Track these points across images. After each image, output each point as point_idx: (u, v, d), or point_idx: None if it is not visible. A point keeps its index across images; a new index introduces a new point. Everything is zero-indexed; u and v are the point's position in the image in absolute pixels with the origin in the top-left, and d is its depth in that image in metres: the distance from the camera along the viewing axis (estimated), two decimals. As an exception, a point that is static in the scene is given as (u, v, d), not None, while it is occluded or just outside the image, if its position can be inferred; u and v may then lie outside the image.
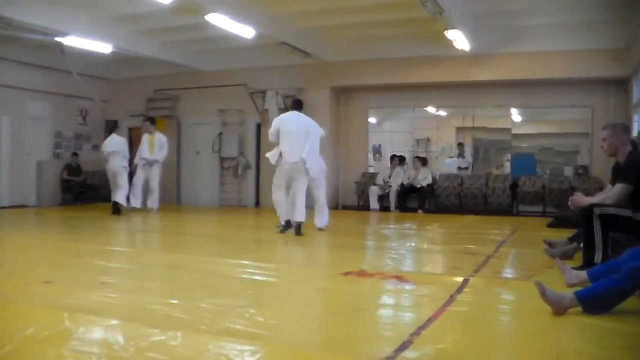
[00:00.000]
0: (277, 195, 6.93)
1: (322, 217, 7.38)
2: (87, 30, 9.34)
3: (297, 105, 7.17)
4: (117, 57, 10.96)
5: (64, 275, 4.30)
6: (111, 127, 10.22)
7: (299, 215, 6.72)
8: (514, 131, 11.63)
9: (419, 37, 10.01)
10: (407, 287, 3.84)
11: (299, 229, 6.72)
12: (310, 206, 7.21)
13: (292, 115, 7.00)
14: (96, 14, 9.18)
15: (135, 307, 3.16)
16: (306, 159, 6.62)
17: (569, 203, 4.56)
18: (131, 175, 10.10)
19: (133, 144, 13.49)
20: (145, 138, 10.18)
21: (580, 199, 4.47)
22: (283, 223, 6.85)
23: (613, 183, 4.53)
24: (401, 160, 11.69)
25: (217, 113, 12.40)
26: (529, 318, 3.01)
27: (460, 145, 12.13)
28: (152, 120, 10.44)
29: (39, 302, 3.26)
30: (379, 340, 2.64)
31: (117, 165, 9.71)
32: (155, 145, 10.14)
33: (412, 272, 4.77)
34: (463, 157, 11.99)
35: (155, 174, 10.20)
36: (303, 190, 6.79)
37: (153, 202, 10.23)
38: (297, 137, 6.70)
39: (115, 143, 9.88)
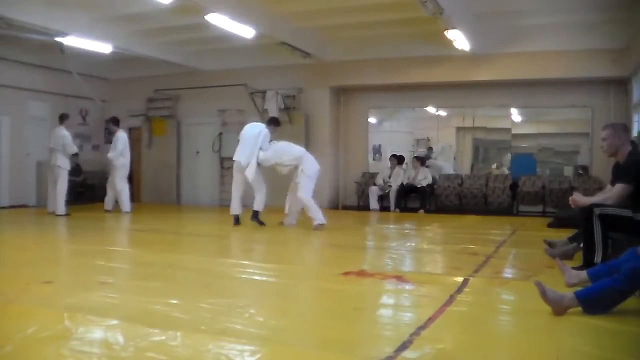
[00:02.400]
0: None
1: (294, 217, 8.03)
2: (87, 30, 9.34)
3: (268, 121, 8.31)
4: (117, 57, 10.96)
5: (64, 275, 4.31)
6: (60, 118, 9.74)
7: (232, 209, 8.00)
8: (514, 131, 11.63)
9: (419, 37, 10.01)
10: (407, 287, 3.84)
11: (235, 219, 7.98)
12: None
13: (250, 125, 8.18)
14: (96, 14, 9.17)
15: (135, 307, 3.16)
16: (240, 161, 7.77)
17: (569, 201, 4.56)
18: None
19: (133, 144, 13.55)
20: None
21: (580, 199, 4.47)
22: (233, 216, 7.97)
23: (613, 183, 4.53)
24: (400, 160, 11.70)
25: (217, 113, 12.40)
26: (529, 318, 3.01)
27: (429, 149, 12.32)
28: (113, 121, 10.39)
29: (39, 302, 3.25)
30: (379, 340, 2.64)
31: (52, 163, 9.61)
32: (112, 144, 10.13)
33: (412, 272, 4.76)
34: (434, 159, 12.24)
35: (116, 175, 9.96)
36: (236, 184, 7.99)
37: (121, 205, 9.89)
38: (241, 143, 7.88)
39: (54, 139, 9.61)
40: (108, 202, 10.12)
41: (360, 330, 2.85)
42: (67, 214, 9.44)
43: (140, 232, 8.07)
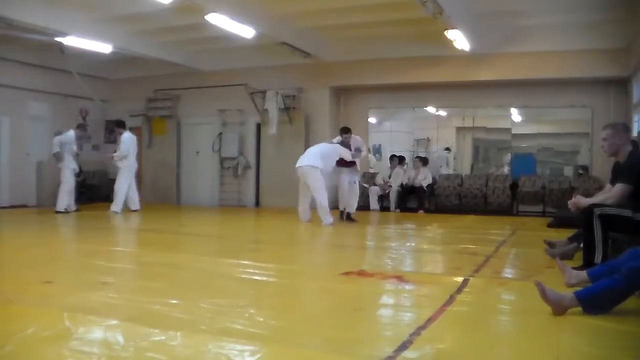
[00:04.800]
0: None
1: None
2: (87, 30, 9.35)
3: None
4: (117, 57, 10.96)
5: (64, 275, 4.30)
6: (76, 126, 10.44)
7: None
8: (514, 131, 11.63)
9: (419, 37, 10.01)
10: (407, 287, 3.84)
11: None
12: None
13: None
14: (96, 14, 9.18)
15: (135, 307, 3.16)
16: None
17: (569, 206, 4.54)
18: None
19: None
20: None
21: (580, 201, 4.46)
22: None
23: (613, 183, 4.52)
24: (400, 160, 11.70)
25: (217, 113, 12.41)
26: (529, 318, 3.01)
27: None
28: (117, 123, 10.43)
29: (39, 302, 3.25)
30: (379, 340, 2.64)
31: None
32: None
33: (412, 272, 4.76)
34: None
35: (119, 175, 10.06)
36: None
37: (113, 205, 9.94)
38: None
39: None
40: (128, 202, 10.16)
41: (360, 330, 2.85)
42: (65, 212, 9.56)
43: (140, 232, 8.08)
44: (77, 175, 10.31)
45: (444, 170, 12.03)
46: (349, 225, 8.39)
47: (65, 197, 9.78)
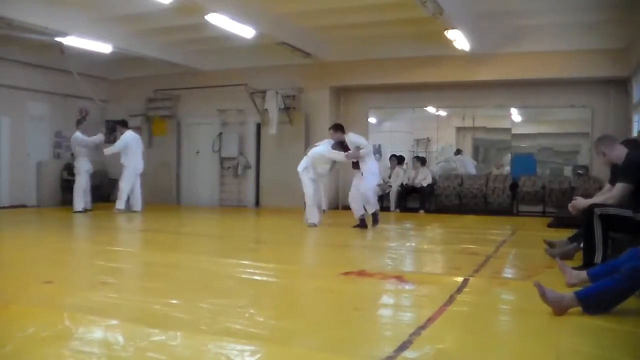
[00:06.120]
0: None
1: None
2: (87, 30, 9.34)
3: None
4: (117, 57, 10.96)
5: (64, 275, 4.30)
6: (76, 122, 10.54)
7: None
8: (514, 131, 11.64)
9: (419, 37, 10.01)
10: (407, 287, 3.84)
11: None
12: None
13: None
14: (96, 14, 9.18)
15: (135, 307, 3.16)
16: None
17: (570, 208, 4.55)
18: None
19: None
20: None
21: (579, 202, 4.46)
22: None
23: (612, 183, 4.53)
24: (400, 160, 11.70)
25: (217, 113, 12.41)
26: (529, 318, 3.01)
27: (459, 151, 12.02)
28: (121, 123, 10.50)
29: (39, 302, 3.25)
30: (379, 340, 2.64)
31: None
32: None
33: (412, 272, 4.77)
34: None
35: (122, 174, 10.10)
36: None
37: (117, 203, 9.94)
38: None
39: (71, 144, 10.26)
40: (132, 202, 10.17)
41: (360, 330, 2.85)
42: (82, 211, 9.65)
43: (140, 232, 8.08)
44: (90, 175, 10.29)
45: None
46: (348, 225, 8.37)
47: (82, 197, 9.85)
